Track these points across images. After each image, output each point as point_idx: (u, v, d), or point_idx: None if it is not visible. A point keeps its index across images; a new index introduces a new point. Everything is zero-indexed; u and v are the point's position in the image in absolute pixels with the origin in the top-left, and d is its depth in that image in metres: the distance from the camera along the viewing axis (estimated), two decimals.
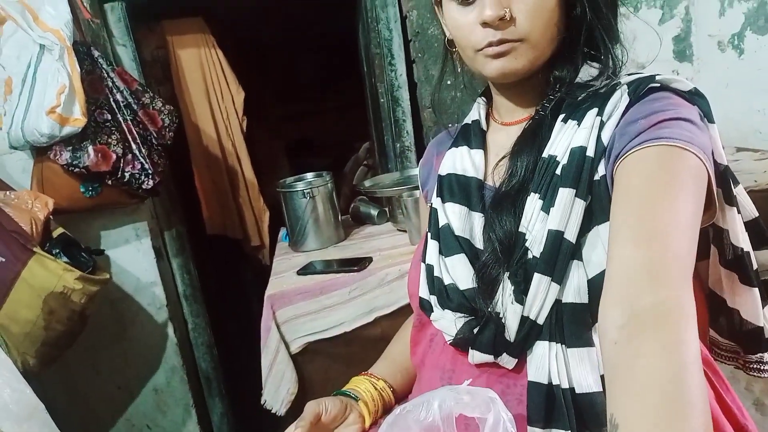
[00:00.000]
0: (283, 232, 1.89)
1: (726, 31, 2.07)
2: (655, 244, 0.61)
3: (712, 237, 0.76)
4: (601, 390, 0.67)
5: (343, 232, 1.78)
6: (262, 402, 1.42)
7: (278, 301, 1.42)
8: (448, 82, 1.97)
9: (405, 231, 1.64)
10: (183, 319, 2.12)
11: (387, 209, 1.83)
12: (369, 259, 1.51)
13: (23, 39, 1.62)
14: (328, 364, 1.43)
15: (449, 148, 0.90)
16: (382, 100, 2.12)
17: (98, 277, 1.63)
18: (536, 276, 0.69)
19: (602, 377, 0.67)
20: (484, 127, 0.89)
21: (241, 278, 3.14)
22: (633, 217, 0.63)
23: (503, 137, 0.85)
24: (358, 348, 1.42)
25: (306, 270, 1.53)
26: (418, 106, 2.06)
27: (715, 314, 0.83)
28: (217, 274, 2.83)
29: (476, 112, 0.91)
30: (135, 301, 1.95)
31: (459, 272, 0.77)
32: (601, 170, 0.70)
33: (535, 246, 0.70)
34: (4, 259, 1.48)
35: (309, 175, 1.84)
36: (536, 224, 0.71)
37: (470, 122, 0.90)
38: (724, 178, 0.72)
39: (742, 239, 0.74)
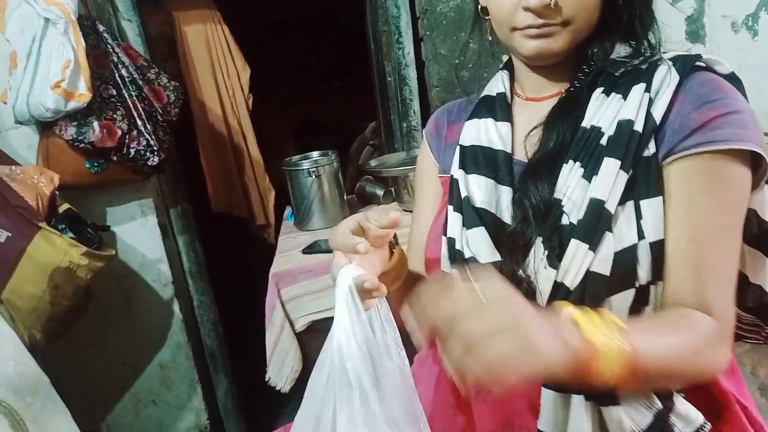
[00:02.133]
0: (288, 210, 1.89)
1: (740, 11, 2.03)
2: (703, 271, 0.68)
3: None
4: None
5: (348, 211, 1.78)
6: (266, 379, 1.43)
7: (283, 280, 1.42)
8: (456, 62, 1.95)
9: (410, 211, 1.63)
10: (188, 296, 2.13)
11: (393, 189, 1.82)
12: None
13: (28, 13, 1.60)
14: None
15: (469, 119, 0.88)
16: (389, 79, 2.10)
17: (104, 253, 1.63)
18: (573, 242, 0.69)
19: None
20: (509, 101, 0.87)
21: (246, 256, 3.15)
22: (689, 244, 0.68)
23: (530, 112, 0.83)
24: None
25: (311, 249, 1.53)
26: (426, 85, 2.03)
27: (737, 289, 0.82)
28: (222, 252, 2.84)
29: (500, 83, 0.88)
30: (140, 278, 1.96)
31: (479, 245, 0.77)
32: (652, 148, 0.70)
33: (574, 212, 0.70)
34: (10, 235, 1.48)
35: (315, 154, 1.83)
36: (575, 191, 0.71)
37: (494, 94, 0.88)
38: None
39: (765, 212, 0.75)
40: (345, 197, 1.77)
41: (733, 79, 0.73)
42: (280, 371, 1.41)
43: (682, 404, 0.70)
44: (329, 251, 1.48)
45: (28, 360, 0.92)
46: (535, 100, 0.84)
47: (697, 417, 0.70)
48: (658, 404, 0.68)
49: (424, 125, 2.09)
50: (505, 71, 0.89)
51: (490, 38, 0.86)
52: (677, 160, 0.69)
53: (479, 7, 0.84)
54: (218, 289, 2.28)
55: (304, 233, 1.68)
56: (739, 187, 0.69)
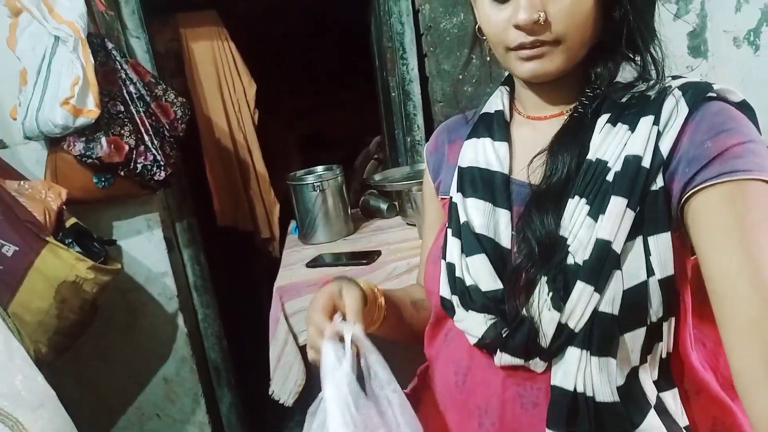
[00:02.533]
0: (293, 224, 1.90)
1: (742, 26, 2.05)
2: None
3: None
4: (619, 400, 0.68)
5: (352, 225, 1.79)
6: (270, 393, 1.43)
7: (287, 293, 1.42)
8: (460, 77, 1.97)
9: (414, 225, 1.65)
10: (193, 310, 2.14)
11: (396, 203, 1.83)
12: (378, 253, 1.51)
13: (38, 31, 1.63)
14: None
15: (468, 138, 0.87)
16: (393, 94, 2.12)
17: (110, 267, 1.64)
18: (579, 284, 0.67)
19: (618, 389, 0.68)
20: (508, 119, 0.85)
21: (251, 270, 3.16)
22: (744, 272, 0.62)
23: (529, 131, 0.82)
24: None
25: (315, 262, 1.54)
26: (430, 100, 2.05)
27: None
28: (227, 266, 2.85)
29: (499, 101, 0.87)
30: (146, 292, 1.97)
31: (480, 273, 0.75)
32: (660, 182, 0.67)
33: (579, 252, 0.68)
34: (17, 248, 1.50)
35: (319, 169, 1.85)
36: (581, 230, 0.69)
37: (492, 112, 0.86)
38: None
39: None
40: (349, 211, 1.79)
41: (745, 107, 0.70)
42: (284, 385, 1.41)
43: None
44: (334, 265, 1.50)
45: (35, 374, 0.93)
46: (536, 119, 0.82)
47: None
48: None
49: (427, 140, 2.11)
50: (506, 87, 0.88)
51: (489, 57, 0.84)
52: (699, 192, 0.65)
53: (477, 26, 0.82)
54: (223, 302, 2.29)
55: (309, 247, 1.70)
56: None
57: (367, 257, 1.48)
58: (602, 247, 0.67)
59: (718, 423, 0.74)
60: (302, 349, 1.42)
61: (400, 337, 0.97)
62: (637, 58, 0.75)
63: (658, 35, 0.74)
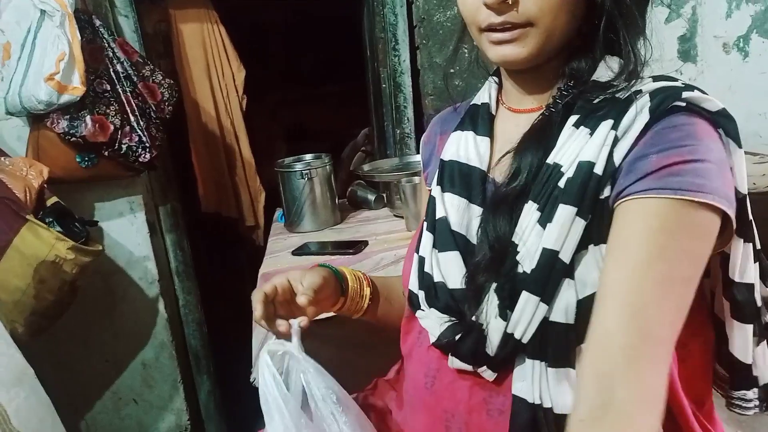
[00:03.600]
0: (279, 212, 1.89)
1: (732, 32, 2.07)
2: (637, 324, 0.59)
3: (720, 262, 0.71)
4: None
5: (339, 215, 1.78)
6: (251, 380, 1.42)
7: None
8: (451, 71, 1.97)
9: (402, 217, 1.64)
10: (174, 296, 2.12)
11: (384, 195, 1.82)
12: (365, 243, 1.51)
13: (24, 4, 1.60)
14: (319, 345, 1.43)
15: (454, 130, 0.86)
16: (384, 86, 2.11)
17: (91, 248, 1.61)
18: (524, 294, 0.65)
19: None
20: (493, 111, 0.84)
21: (234, 258, 3.13)
22: (622, 285, 0.61)
23: (511, 126, 0.80)
24: (350, 331, 1.41)
25: (301, 251, 1.53)
26: (420, 93, 2.05)
27: (717, 338, 0.77)
28: (210, 253, 2.82)
29: (486, 93, 0.86)
30: (126, 275, 1.94)
31: (450, 270, 0.75)
32: (607, 191, 0.65)
33: (527, 261, 0.66)
34: None
35: (308, 157, 1.83)
36: (531, 237, 0.67)
37: (479, 104, 0.85)
38: (741, 206, 0.66)
39: (738, 272, 0.69)
40: (337, 201, 1.77)
41: (722, 116, 0.65)
42: None
43: None
44: (320, 253, 1.49)
45: (13, 351, 0.91)
46: (517, 112, 0.81)
47: None
48: None
49: (417, 132, 2.11)
50: (495, 78, 0.87)
51: (476, 50, 0.83)
52: (624, 203, 0.63)
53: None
54: (205, 289, 2.27)
55: (294, 235, 1.68)
56: (693, 237, 0.62)
57: (354, 247, 1.47)
58: (548, 257, 0.65)
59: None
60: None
61: (390, 325, 0.96)
62: (619, 54, 0.71)
63: (643, 31, 0.72)
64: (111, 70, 1.69)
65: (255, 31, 4.10)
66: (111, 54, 1.70)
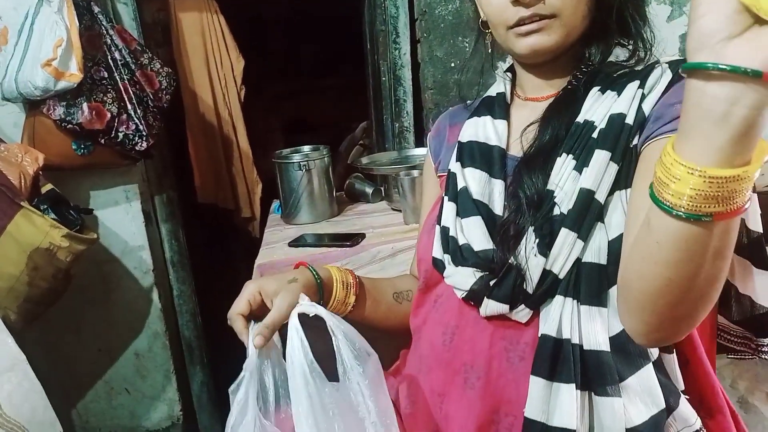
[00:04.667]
0: (275, 204, 1.88)
1: None
2: None
3: None
4: (609, 350, 0.69)
5: (336, 207, 1.77)
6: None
7: (268, 271, 1.40)
8: (452, 65, 1.96)
9: (399, 210, 1.63)
10: (168, 286, 2.11)
11: (382, 188, 1.82)
12: (362, 235, 1.50)
13: None
14: (315, 337, 1.43)
15: (469, 118, 0.92)
16: (383, 79, 2.10)
17: (85, 236, 1.60)
18: (563, 231, 0.71)
19: (611, 339, 0.70)
20: (509, 101, 0.90)
21: (230, 249, 3.12)
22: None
23: (527, 112, 0.86)
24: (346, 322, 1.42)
25: (297, 242, 1.52)
26: (420, 86, 2.03)
27: (726, 301, 0.84)
28: (205, 244, 2.81)
29: (501, 85, 0.92)
30: (121, 264, 1.93)
31: (474, 233, 0.79)
32: (636, 140, 0.72)
33: (565, 202, 0.72)
34: None
35: (306, 148, 1.82)
36: (567, 182, 0.73)
37: (494, 94, 0.91)
38: None
39: (753, 222, 0.76)
40: (334, 193, 1.77)
41: None
42: None
43: (685, 406, 0.71)
44: (316, 245, 1.49)
45: (5, 337, 0.90)
46: (534, 100, 0.87)
47: (696, 421, 0.71)
48: (662, 403, 0.69)
49: (416, 126, 2.10)
50: (508, 74, 0.93)
51: (490, 49, 0.91)
52: (653, 143, 0.68)
53: (480, 21, 0.89)
54: (199, 280, 2.26)
55: (291, 227, 1.67)
56: None
57: (351, 239, 1.47)
58: (585, 196, 0.70)
59: (704, 403, 0.76)
60: (281, 328, 1.40)
61: (375, 325, 1.00)
62: (629, 42, 0.80)
63: (648, 20, 0.81)
64: (109, 57, 1.68)
65: (255, 23, 4.07)
66: (109, 41, 1.68)
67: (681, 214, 0.51)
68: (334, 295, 0.93)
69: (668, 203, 0.51)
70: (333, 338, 0.77)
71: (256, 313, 0.86)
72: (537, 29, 0.76)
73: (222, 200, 2.58)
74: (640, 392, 0.69)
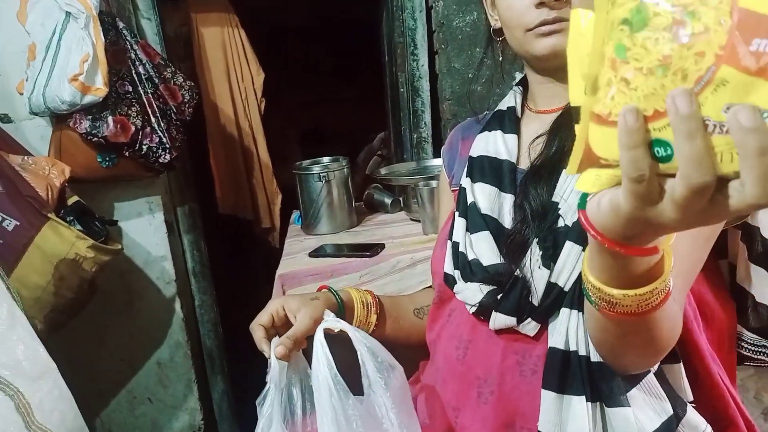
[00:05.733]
0: (295, 214, 1.89)
1: None
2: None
3: (741, 235, 0.78)
4: None
5: (356, 218, 1.78)
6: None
7: (289, 281, 1.42)
8: (470, 76, 1.97)
9: (418, 221, 1.64)
10: (190, 296, 2.13)
11: (401, 198, 1.82)
12: (381, 246, 1.51)
13: (49, 6, 1.62)
14: (336, 348, 1.43)
15: (480, 132, 0.92)
16: (401, 90, 2.11)
17: (111, 247, 1.64)
18: (568, 244, 0.71)
19: None
20: (519, 115, 0.90)
21: (250, 260, 3.14)
22: None
23: (537, 125, 0.86)
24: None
25: (318, 252, 1.53)
26: (438, 97, 2.05)
27: (743, 310, 0.84)
28: (226, 254, 2.84)
29: (512, 98, 0.92)
30: (144, 274, 1.96)
31: (483, 248, 0.79)
32: None
33: (569, 215, 0.72)
34: (18, 223, 1.49)
35: (325, 159, 1.84)
36: (572, 195, 0.73)
37: (505, 108, 0.91)
38: None
39: (767, 230, 0.76)
40: (353, 204, 1.78)
41: None
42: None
43: (693, 414, 0.71)
44: (336, 256, 1.50)
45: (36, 345, 0.92)
46: (545, 113, 0.86)
47: (706, 428, 0.71)
48: (669, 410, 0.69)
49: (434, 137, 2.11)
50: (519, 87, 0.94)
51: (501, 58, 0.92)
52: None
53: (492, 29, 0.90)
54: (220, 290, 2.28)
55: (311, 237, 1.69)
56: None
57: (370, 249, 1.47)
58: None
59: (717, 415, 0.75)
60: None
61: (398, 342, 1.00)
62: None
63: None
64: (133, 71, 1.72)
65: (273, 33, 4.12)
66: (133, 56, 1.72)
67: (584, 292, 0.58)
68: (356, 316, 0.94)
69: (582, 276, 0.58)
70: (358, 353, 0.78)
71: (280, 330, 0.87)
72: (559, 30, 0.75)
73: (242, 211, 2.61)
74: (648, 401, 0.70)
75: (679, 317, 0.66)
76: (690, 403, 0.72)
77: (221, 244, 2.72)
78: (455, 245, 0.84)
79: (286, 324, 0.87)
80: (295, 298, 0.90)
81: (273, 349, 0.81)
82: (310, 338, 0.85)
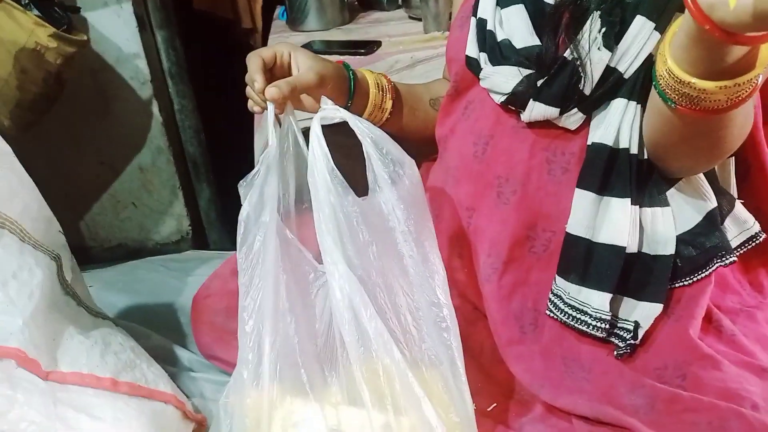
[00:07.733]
0: (280, 9, 1.72)
1: None
2: None
3: None
4: None
5: (348, 14, 1.62)
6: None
7: None
8: None
9: (419, 19, 1.48)
10: (168, 99, 2.00)
11: None
12: (378, 43, 1.37)
13: None
14: (339, 152, 1.37)
15: None
16: None
17: (75, 37, 1.48)
18: (638, 19, 0.59)
19: None
20: None
21: (231, 65, 2.95)
22: None
23: None
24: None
25: (305, 49, 1.39)
26: None
27: None
28: (205, 59, 2.65)
29: None
30: (117, 74, 1.81)
31: (515, 26, 0.67)
32: None
33: None
34: None
35: None
36: None
37: None
38: None
39: None
40: None
41: None
42: None
43: (741, 210, 0.66)
44: (326, 52, 1.36)
45: None
46: None
47: (754, 224, 0.66)
48: (714, 201, 0.63)
49: None
50: None
51: None
52: None
53: None
54: (201, 97, 2.15)
55: (298, 34, 1.53)
56: None
57: (365, 47, 1.34)
58: None
59: (762, 213, 0.70)
60: None
61: (411, 135, 0.91)
62: None
63: None
64: None
65: None
66: None
67: (657, 88, 0.53)
68: (370, 99, 0.83)
69: (656, 71, 0.52)
70: (362, 147, 0.69)
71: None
72: None
73: (220, 8, 2.38)
74: (689, 196, 0.63)
75: (752, 111, 0.57)
76: (738, 199, 0.67)
77: (200, 48, 2.53)
78: (481, 22, 0.71)
79: (288, 75, 0.77)
80: (305, 51, 0.79)
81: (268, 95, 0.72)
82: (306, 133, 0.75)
